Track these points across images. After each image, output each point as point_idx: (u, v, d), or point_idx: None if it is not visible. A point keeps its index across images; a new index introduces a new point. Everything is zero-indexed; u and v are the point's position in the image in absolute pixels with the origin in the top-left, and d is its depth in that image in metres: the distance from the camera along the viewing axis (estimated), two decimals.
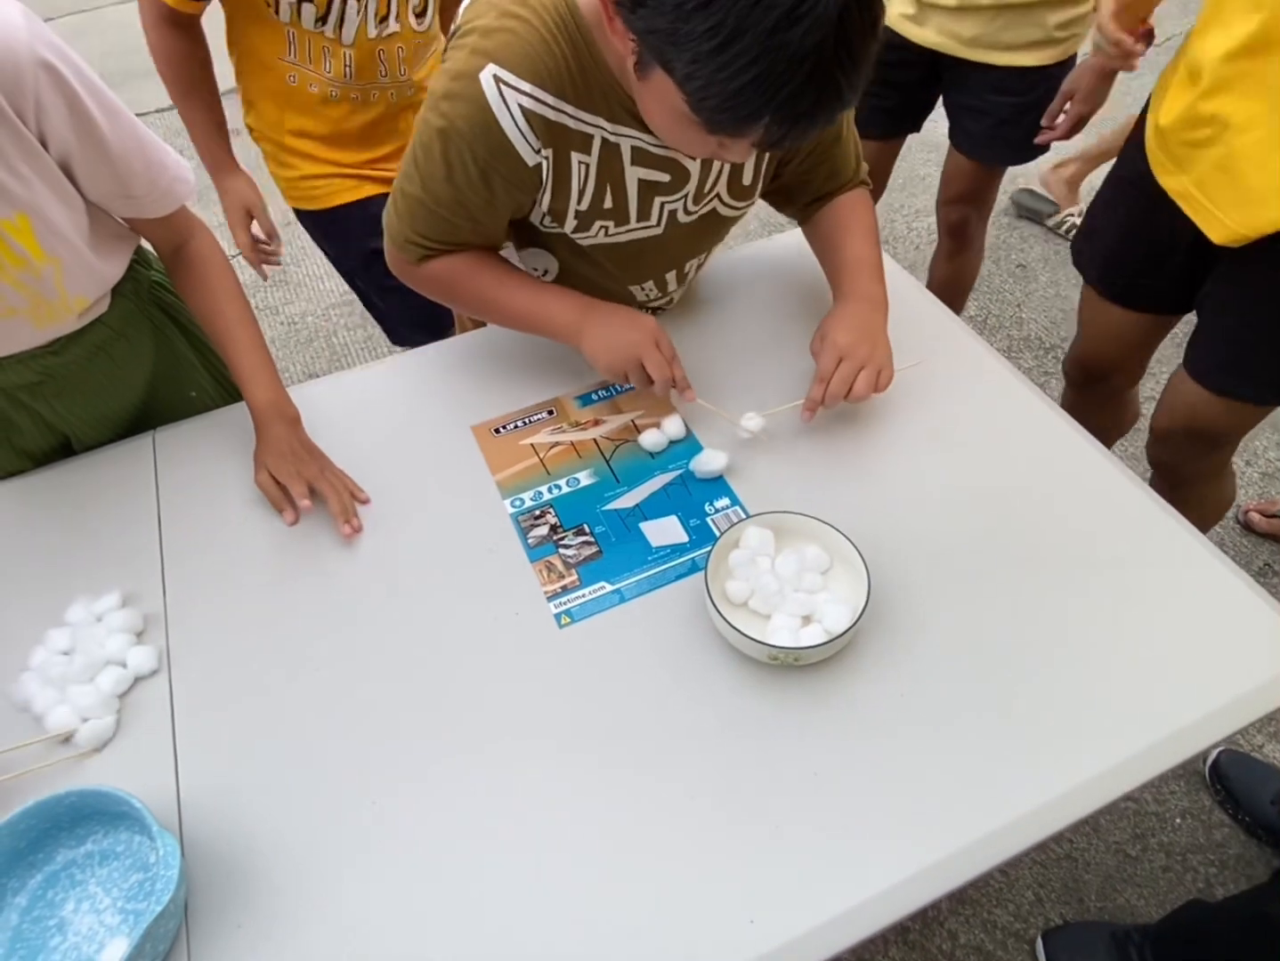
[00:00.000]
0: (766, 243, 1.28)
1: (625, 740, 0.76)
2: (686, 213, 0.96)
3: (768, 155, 0.96)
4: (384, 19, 1.24)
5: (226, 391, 1.13)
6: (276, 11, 1.20)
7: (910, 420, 1.00)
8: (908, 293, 1.16)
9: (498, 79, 0.78)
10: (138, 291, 0.99)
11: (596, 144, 0.86)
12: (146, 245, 0.99)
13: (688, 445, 0.99)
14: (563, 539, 0.90)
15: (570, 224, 0.93)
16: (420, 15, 1.29)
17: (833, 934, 0.65)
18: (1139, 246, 1.26)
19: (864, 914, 0.66)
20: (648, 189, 0.91)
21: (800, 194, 1.05)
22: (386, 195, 0.95)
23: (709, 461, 0.94)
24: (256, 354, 0.95)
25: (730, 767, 0.74)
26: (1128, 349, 1.42)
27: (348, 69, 1.27)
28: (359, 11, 1.21)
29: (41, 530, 0.94)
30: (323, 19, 1.20)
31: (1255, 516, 1.82)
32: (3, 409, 0.95)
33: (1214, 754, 1.48)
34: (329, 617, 0.85)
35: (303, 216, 1.46)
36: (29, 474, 1.00)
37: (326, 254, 1.56)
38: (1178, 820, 1.46)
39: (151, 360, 1.03)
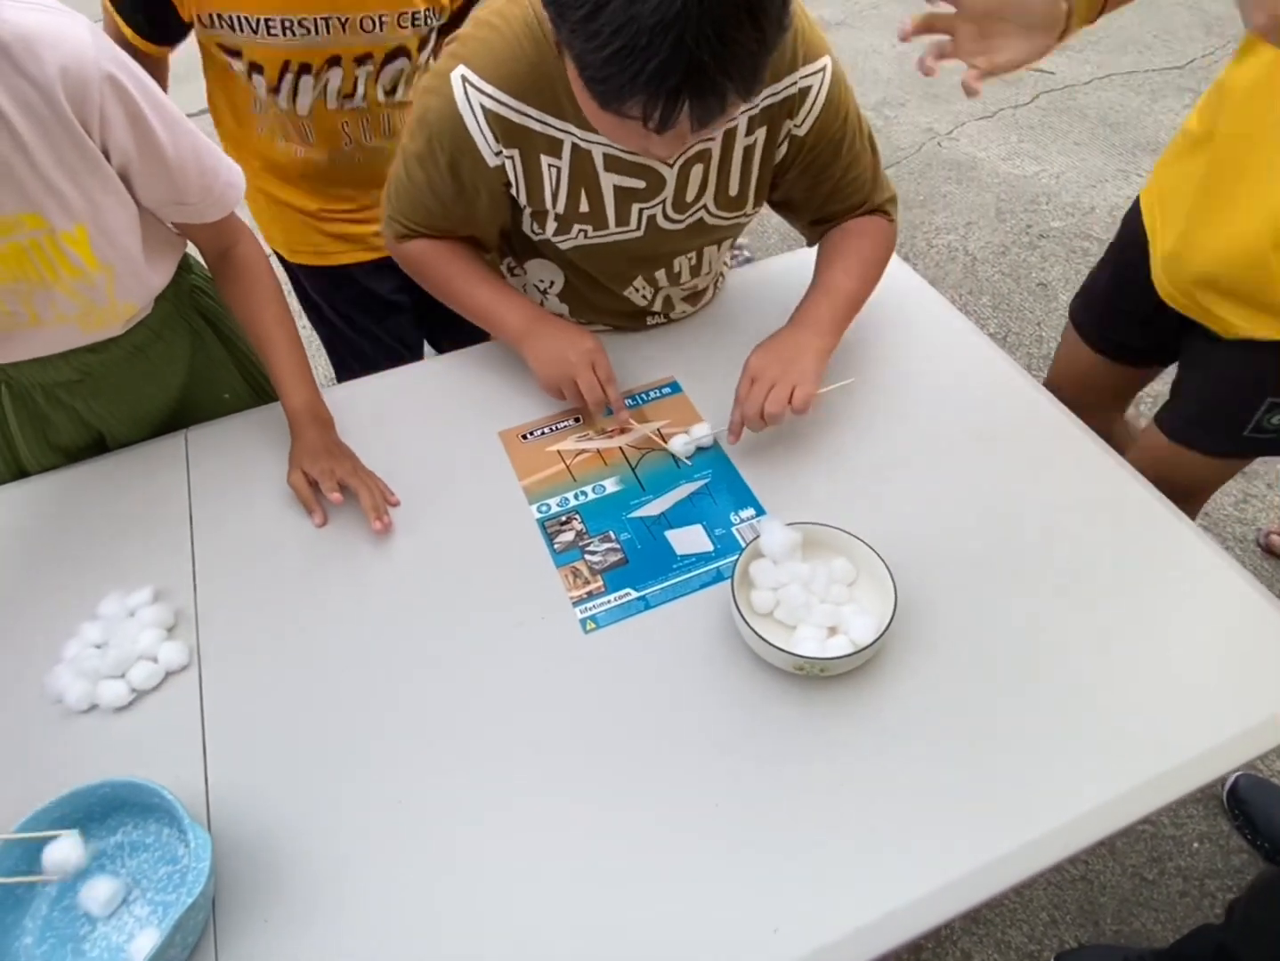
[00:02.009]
0: (791, 257, 1.29)
1: (649, 745, 0.76)
2: (668, 220, 0.97)
3: (756, 167, 0.94)
4: (348, 95, 1.15)
5: (259, 395, 1.15)
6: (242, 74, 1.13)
7: (937, 435, 1.00)
8: (927, 305, 1.16)
9: (464, 79, 0.84)
10: (177, 295, 1.01)
11: (567, 149, 0.89)
12: (189, 250, 1.01)
13: (714, 454, 0.99)
14: (588, 545, 0.91)
15: (550, 226, 0.96)
16: (390, 93, 1.18)
17: (856, 945, 0.65)
18: (1125, 302, 1.23)
19: (887, 927, 0.66)
20: (624, 195, 0.93)
21: (804, 211, 1.04)
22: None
23: (771, 537, 0.84)
24: (294, 358, 0.97)
25: (755, 776, 0.74)
26: (1099, 395, 1.35)
27: (308, 134, 1.19)
28: (314, 86, 1.13)
29: (76, 524, 0.95)
30: (274, 89, 1.12)
31: (1276, 539, 1.81)
32: (40, 406, 0.97)
33: (1232, 778, 1.47)
34: (356, 617, 0.86)
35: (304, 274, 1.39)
36: (64, 469, 1.02)
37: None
38: (1195, 844, 1.44)
39: (187, 362, 1.05)
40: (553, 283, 1.08)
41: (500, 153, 0.88)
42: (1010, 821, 0.71)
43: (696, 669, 0.81)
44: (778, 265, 1.27)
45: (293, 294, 1.44)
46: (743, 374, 0.96)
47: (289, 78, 1.11)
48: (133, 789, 0.69)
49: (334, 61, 1.11)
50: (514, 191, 0.93)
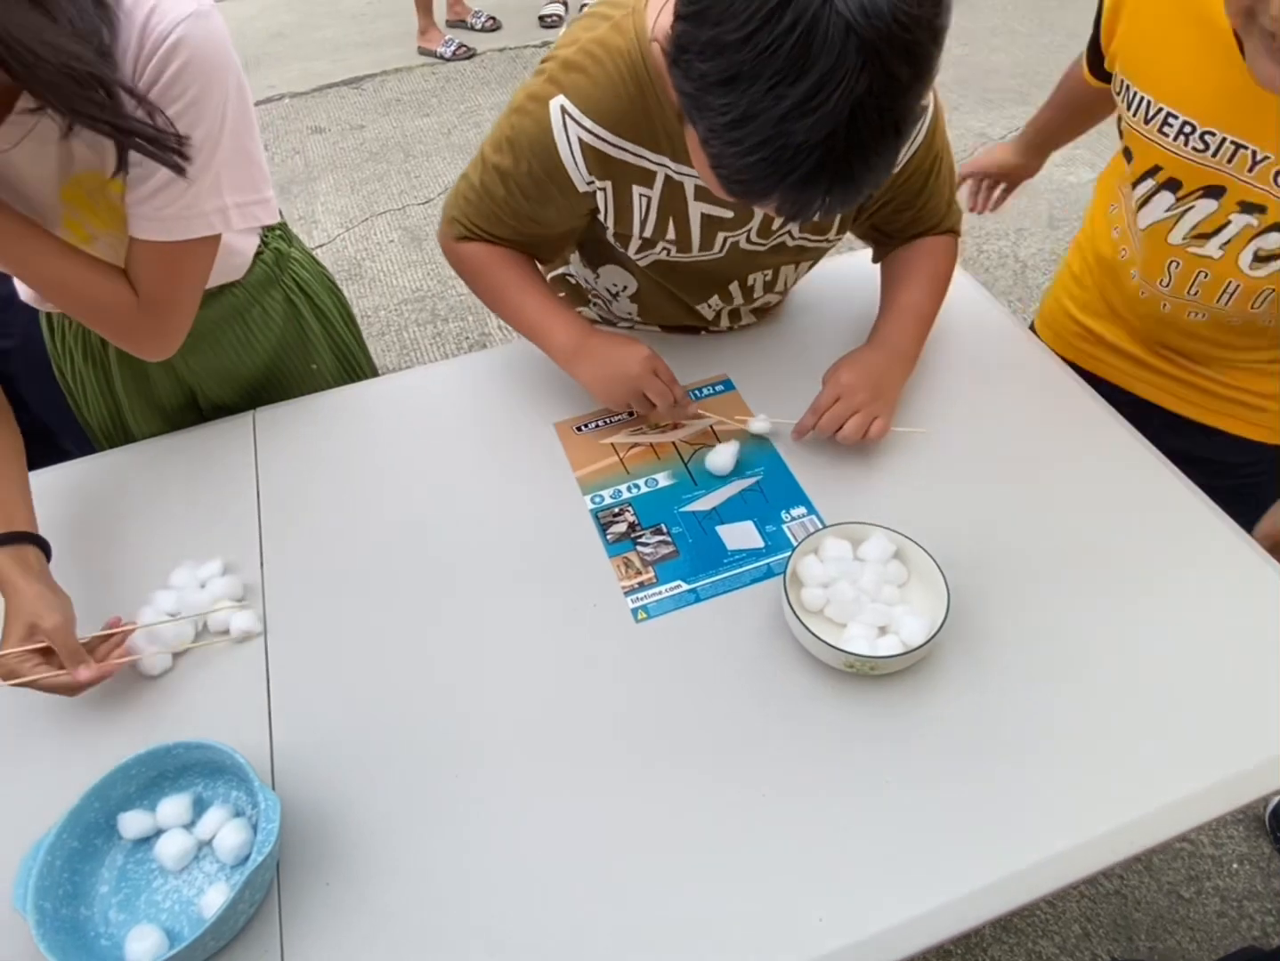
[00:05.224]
0: (845, 258, 1.29)
1: (699, 732, 0.78)
2: (750, 243, 0.98)
3: None
4: (1202, 236, 0.93)
5: (344, 368, 1.19)
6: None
7: (988, 437, 1.01)
8: (982, 312, 1.17)
9: (564, 110, 0.84)
10: (279, 262, 1.06)
11: (659, 180, 0.90)
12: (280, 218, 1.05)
13: (767, 452, 1.00)
14: (640, 536, 0.93)
15: (634, 245, 0.97)
16: (1264, 260, 0.92)
17: (899, 938, 0.66)
18: None
19: (929, 922, 0.67)
20: (711, 223, 0.94)
21: (888, 239, 1.07)
22: None
23: (719, 456, 0.98)
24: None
25: (801, 768, 0.75)
26: None
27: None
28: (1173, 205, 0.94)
29: (152, 497, 0.99)
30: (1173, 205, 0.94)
31: None
32: (142, 362, 1.02)
33: (1275, 800, 1.45)
34: (415, 598, 0.89)
35: None
36: (142, 443, 1.07)
37: None
38: (1235, 865, 1.43)
39: (280, 330, 1.09)
40: (625, 286, 1.09)
41: (591, 182, 0.89)
42: (1051, 827, 0.71)
43: (745, 661, 0.82)
44: (832, 267, 1.27)
45: None
46: (827, 384, 0.97)
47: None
48: (205, 750, 0.72)
49: (1214, 192, 0.90)
50: (601, 217, 0.94)
